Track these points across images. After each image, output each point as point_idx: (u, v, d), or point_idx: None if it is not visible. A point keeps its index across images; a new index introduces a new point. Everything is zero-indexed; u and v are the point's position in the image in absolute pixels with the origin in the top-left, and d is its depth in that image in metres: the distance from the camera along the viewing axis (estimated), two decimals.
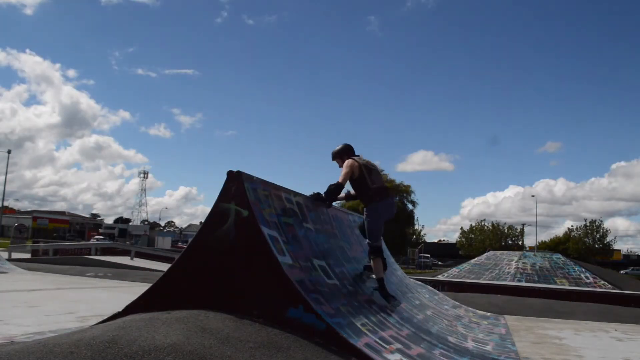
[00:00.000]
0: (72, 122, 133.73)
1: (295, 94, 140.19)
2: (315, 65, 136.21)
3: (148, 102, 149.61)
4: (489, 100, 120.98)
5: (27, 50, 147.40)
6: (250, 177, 4.32)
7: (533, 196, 64.59)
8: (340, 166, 5.69)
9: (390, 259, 9.15)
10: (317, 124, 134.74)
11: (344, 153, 5.78)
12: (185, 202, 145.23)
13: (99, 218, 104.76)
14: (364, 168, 5.58)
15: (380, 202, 5.57)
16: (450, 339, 5.65)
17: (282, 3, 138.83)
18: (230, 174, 4.19)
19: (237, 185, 4.14)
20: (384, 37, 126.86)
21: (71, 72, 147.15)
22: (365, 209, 5.66)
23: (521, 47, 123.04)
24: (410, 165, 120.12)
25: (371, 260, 5.55)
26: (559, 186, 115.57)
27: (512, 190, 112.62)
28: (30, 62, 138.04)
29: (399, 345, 4.33)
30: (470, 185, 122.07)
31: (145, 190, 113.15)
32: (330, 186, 5.44)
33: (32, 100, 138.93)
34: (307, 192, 5.80)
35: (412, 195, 62.25)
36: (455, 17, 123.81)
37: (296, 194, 5.33)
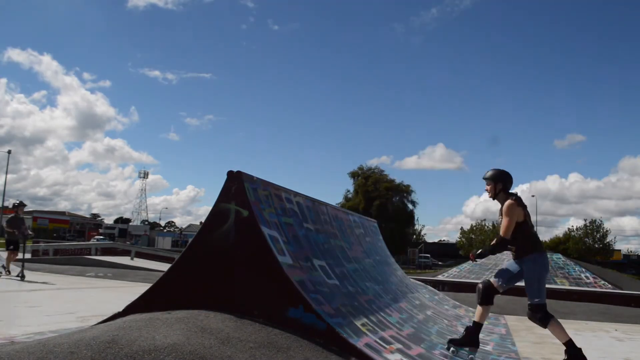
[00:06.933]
0: (86, 125, 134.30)
1: (309, 97, 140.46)
2: (330, 69, 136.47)
3: (162, 105, 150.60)
4: (496, 99, 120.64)
5: (45, 53, 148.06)
6: (250, 177, 4.32)
7: (533, 196, 64.56)
8: (490, 190, 4.83)
9: (391, 259, 9.15)
10: (327, 127, 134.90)
11: (504, 181, 4.81)
12: (192, 202, 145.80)
13: (99, 218, 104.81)
14: (526, 210, 4.69)
15: (541, 253, 4.67)
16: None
17: (308, 9, 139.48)
18: (230, 173, 4.19)
19: (237, 185, 4.14)
20: (405, 44, 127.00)
21: (87, 75, 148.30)
22: (523, 261, 4.63)
23: (525, 46, 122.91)
24: (419, 161, 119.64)
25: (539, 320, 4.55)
26: (569, 184, 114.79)
27: (520, 189, 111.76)
28: (48, 64, 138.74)
29: (399, 345, 4.33)
30: (476, 184, 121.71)
31: (145, 190, 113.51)
32: (492, 244, 4.66)
33: (47, 102, 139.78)
34: (311, 193, 5.80)
35: (413, 195, 62.60)
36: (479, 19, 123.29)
37: (296, 194, 5.33)
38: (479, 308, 4.73)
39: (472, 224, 68.53)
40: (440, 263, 62.83)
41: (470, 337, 4.69)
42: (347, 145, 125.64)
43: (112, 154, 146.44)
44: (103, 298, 8.41)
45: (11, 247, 11.48)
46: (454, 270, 33.97)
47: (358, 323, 4.31)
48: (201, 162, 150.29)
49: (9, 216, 11.84)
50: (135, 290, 9.06)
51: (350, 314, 4.40)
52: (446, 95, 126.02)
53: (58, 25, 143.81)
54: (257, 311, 3.78)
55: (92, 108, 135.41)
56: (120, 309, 4.06)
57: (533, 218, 5.23)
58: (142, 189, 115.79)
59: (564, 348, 4.53)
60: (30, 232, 12.02)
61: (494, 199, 4.84)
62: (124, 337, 3.04)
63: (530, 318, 4.62)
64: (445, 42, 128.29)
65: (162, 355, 2.85)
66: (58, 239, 54.66)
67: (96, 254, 21.51)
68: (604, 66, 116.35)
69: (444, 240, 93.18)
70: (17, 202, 12.00)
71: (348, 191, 63.85)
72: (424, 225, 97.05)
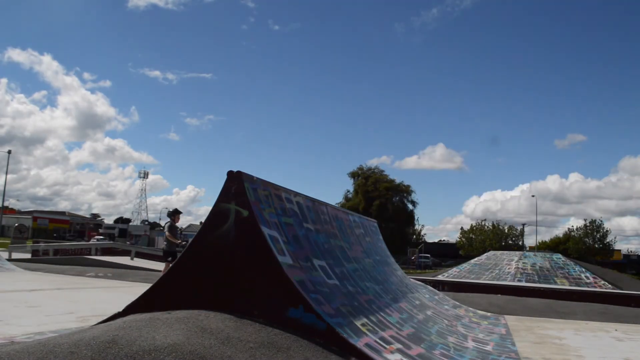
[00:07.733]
0: (86, 125, 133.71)
1: (309, 97, 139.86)
2: (330, 69, 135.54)
3: (162, 105, 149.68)
4: (496, 99, 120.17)
5: (45, 53, 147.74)
6: (250, 177, 4.32)
7: (533, 196, 64.49)
8: None
9: (391, 259, 9.16)
10: (327, 127, 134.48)
11: None
12: (192, 202, 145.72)
13: (99, 218, 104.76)
14: None
15: None
16: (451, 339, 5.64)
17: (308, 9, 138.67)
18: (230, 174, 4.19)
19: (237, 185, 4.15)
20: (405, 44, 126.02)
21: (87, 75, 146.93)
22: None
23: (526, 46, 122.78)
24: (419, 161, 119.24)
25: None
26: (569, 184, 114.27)
27: (520, 189, 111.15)
28: (49, 64, 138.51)
29: (399, 345, 4.33)
30: (476, 184, 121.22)
31: (145, 190, 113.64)
32: None
33: (48, 102, 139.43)
34: (311, 193, 5.80)
35: (413, 195, 62.66)
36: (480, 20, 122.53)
37: (296, 194, 5.34)
38: None
39: (472, 224, 68.57)
40: (440, 263, 62.76)
41: None
42: (347, 145, 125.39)
43: (112, 154, 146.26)
44: (103, 298, 8.41)
45: (169, 258, 9.92)
46: (454, 270, 33.92)
47: (358, 323, 4.31)
48: (201, 162, 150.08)
49: (168, 224, 10.15)
50: (135, 290, 9.06)
51: (350, 314, 4.40)
52: (446, 95, 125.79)
53: (58, 25, 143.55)
54: (257, 311, 3.79)
55: (92, 108, 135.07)
56: (120, 309, 4.06)
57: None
58: (142, 189, 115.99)
59: None
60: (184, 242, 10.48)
61: None
62: (124, 337, 3.04)
63: None
64: (445, 42, 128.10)
65: (162, 355, 2.85)
66: (58, 239, 54.61)
67: (96, 254, 21.53)
68: (604, 66, 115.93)
69: (444, 240, 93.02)
70: (173, 209, 10.36)
71: (348, 191, 63.94)
72: (423, 225, 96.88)
